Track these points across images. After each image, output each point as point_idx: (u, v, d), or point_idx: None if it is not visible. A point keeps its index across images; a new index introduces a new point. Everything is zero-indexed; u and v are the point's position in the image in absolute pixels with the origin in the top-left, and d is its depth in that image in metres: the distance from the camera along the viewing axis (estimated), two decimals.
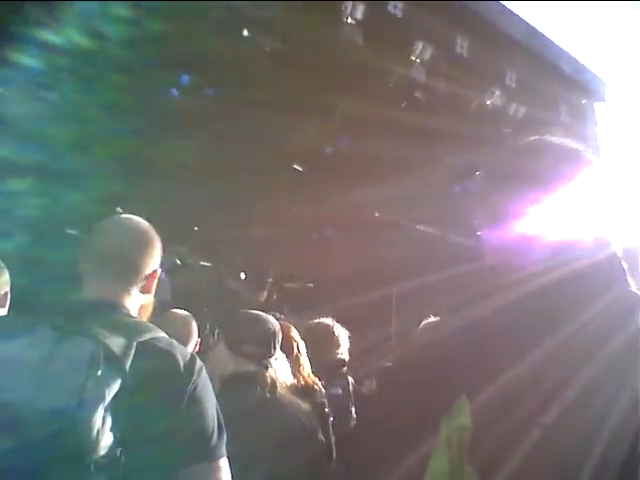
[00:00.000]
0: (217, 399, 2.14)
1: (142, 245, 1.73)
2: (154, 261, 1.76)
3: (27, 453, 1.30)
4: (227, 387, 2.24)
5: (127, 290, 1.67)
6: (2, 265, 2.66)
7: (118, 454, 1.35)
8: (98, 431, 1.32)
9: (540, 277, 1.08)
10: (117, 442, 1.35)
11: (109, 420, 1.35)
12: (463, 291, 1.14)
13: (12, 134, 6.25)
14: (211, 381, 2.23)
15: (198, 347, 2.90)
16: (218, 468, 1.55)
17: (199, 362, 1.60)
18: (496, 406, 0.96)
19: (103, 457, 1.33)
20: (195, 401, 1.53)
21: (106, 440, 1.34)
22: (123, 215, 1.80)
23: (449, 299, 1.17)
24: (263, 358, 2.32)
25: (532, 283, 1.09)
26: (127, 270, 1.68)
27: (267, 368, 2.31)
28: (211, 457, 1.55)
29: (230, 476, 1.58)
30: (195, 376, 1.55)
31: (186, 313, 3.03)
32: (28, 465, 1.30)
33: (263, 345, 2.33)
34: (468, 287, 1.14)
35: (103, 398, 1.33)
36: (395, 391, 1.08)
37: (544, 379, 0.96)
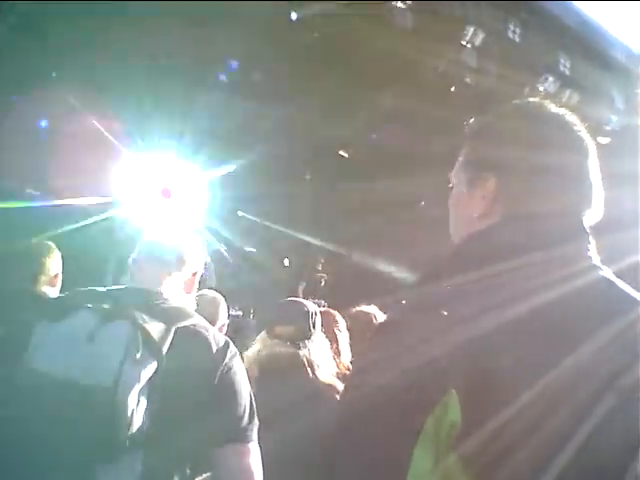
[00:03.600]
0: (257, 381, 2.18)
1: (186, 247, 1.84)
2: (196, 262, 1.86)
3: (68, 424, 1.37)
4: (264, 369, 2.27)
5: (171, 284, 1.75)
6: (54, 246, 2.73)
7: (153, 432, 1.41)
8: (133, 410, 1.38)
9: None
10: (152, 420, 1.41)
11: (144, 400, 1.40)
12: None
13: None
14: (252, 364, 2.27)
15: (226, 329, 2.89)
16: (247, 450, 1.60)
17: (232, 348, 1.65)
18: (489, 401, 0.91)
19: (138, 434, 1.39)
20: (226, 384, 1.58)
21: (141, 418, 1.40)
22: (172, 219, 1.90)
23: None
24: (297, 339, 2.32)
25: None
26: (172, 266, 1.77)
27: (300, 348, 2.30)
28: (241, 439, 1.59)
29: (259, 460, 1.62)
30: (227, 360, 1.60)
31: (215, 294, 3.02)
32: (67, 438, 1.35)
33: (296, 325, 2.34)
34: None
35: (138, 379, 1.39)
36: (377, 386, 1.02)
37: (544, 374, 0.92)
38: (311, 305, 2.44)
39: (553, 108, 1.21)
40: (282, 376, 2.22)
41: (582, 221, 1.15)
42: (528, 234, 1.10)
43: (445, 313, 1.00)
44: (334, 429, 1.06)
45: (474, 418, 0.90)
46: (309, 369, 2.26)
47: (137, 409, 1.38)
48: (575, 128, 1.18)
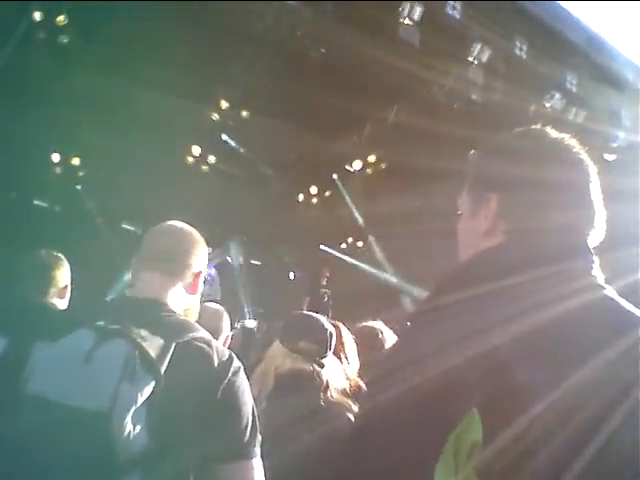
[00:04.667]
0: (271, 395, 2.15)
1: (187, 247, 1.79)
2: (199, 262, 1.81)
3: (63, 448, 1.35)
4: (282, 384, 2.25)
5: (173, 289, 1.71)
6: (63, 258, 2.74)
7: (151, 451, 1.38)
8: (130, 431, 1.35)
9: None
10: (151, 440, 1.39)
11: (142, 419, 1.38)
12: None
13: None
14: (266, 377, 2.26)
15: (230, 341, 2.87)
16: (250, 467, 1.56)
17: (236, 362, 1.61)
18: (513, 420, 0.91)
19: (136, 454, 1.36)
20: (229, 399, 1.54)
21: (139, 438, 1.37)
22: (170, 221, 1.86)
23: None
24: (319, 356, 2.31)
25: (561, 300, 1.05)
26: (173, 270, 1.73)
27: (323, 367, 2.30)
28: (243, 456, 1.56)
29: (263, 476, 1.58)
30: (230, 375, 1.55)
31: (217, 306, 2.99)
32: (64, 460, 1.34)
33: (319, 343, 2.33)
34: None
35: (135, 400, 1.37)
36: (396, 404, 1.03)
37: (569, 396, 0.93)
38: (328, 323, 2.45)
39: (554, 133, 1.24)
40: (299, 392, 2.20)
41: (586, 240, 1.16)
42: (531, 252, 1.12)
43: (457, 331, 1.01)
44: (348, 443, 1.06)
45: (496, 437, 0.90)
46: (325, 387, 2.26)
47: (134, 430, 1.36)
48: (574, 150, 1.21)
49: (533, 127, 1.29)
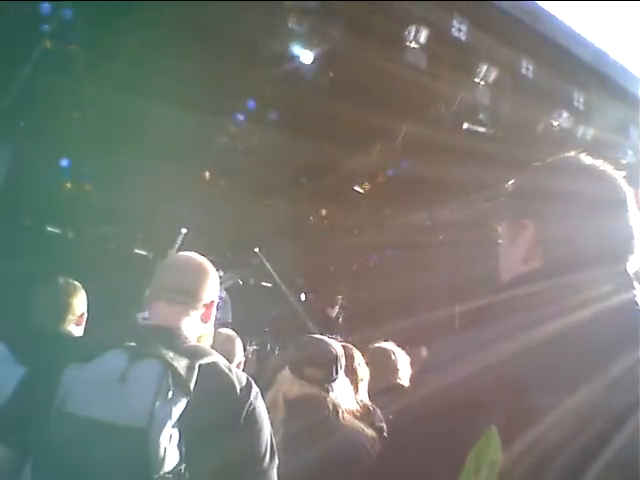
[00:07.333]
0: (285, 422, 2.17)
1: (199, 281, 1.84)
2: (211, 292, 1.86)
3: (103, 464, 1.38)
4: (291, 410, 2.26)
5: (187, 317, 1.77)
6: (80, 286, 2.78)
7: (182, 470, 1.42)
8: (165, 448, 1.39)
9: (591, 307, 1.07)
10: (181, 458, 1.43)
11: (175, 438, 1.42)
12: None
13: None
14: (276, 404, 2.27)
15: (242, 366, 2.89)
16: None
17: (255, 387, 1.66)
18: (531, 439, 0.92)
19: (168, 473, 1.40)
20: (250, 424, 1.59)
21: (172, 457, 1.41)
22: (184, 252, 1.92)
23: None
24: (326, 381, 2.31)
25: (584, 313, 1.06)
26: (187, 304, 1.78)
27: (329, 392, 2.30)
28: (261, 478, 1.59)
29: None
30: (252, 399, 1.61)
31: (230, 332, 3.03)
32: (103, 476, 1.38)
33: (326, 368, 2.33)
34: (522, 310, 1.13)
35: (170, 417, 1.41)
36: (414, 423, 1.04)
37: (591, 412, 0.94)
38: (337, 346, 2.44)
39: (588, 160, 1.28)
40: (310, 417, 2.21)
41: (625, 265, 1.18)
42: (569, 278, 1.14)
43: (489, 351, 1.02)
44: (363, 464, 1.07)
45: (515, 456, 0.91)
46: (335, 413, 2.26)
47: (169, 447, 1.40)
48: (609, 176, 1.25)
49: (567, 154, 1.33)
